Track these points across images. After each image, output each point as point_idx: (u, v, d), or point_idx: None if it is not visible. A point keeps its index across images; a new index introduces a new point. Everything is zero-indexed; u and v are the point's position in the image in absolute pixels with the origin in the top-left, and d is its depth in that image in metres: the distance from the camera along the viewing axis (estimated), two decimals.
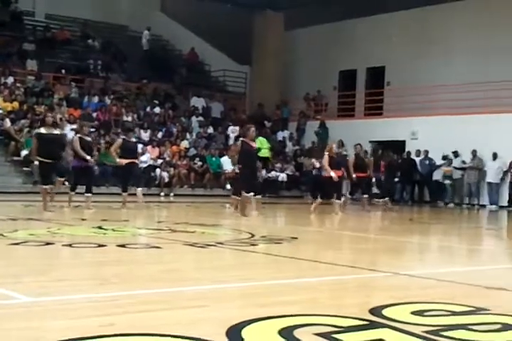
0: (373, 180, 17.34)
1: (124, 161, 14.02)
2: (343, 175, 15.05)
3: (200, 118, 26.66)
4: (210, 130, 26.22)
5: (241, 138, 12.95)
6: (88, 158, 13.41)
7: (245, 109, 29.99)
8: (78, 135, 13.92)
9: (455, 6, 25.19)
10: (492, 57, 23.80)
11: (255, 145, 13.24)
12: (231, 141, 25.35)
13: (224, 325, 3.52)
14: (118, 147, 14.26)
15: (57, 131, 12.84)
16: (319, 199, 14.31)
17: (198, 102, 27.81)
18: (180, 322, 3.68)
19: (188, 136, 25.10)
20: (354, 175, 16.07)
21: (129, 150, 14.21)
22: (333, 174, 13.94)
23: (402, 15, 26.73)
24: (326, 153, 14.50)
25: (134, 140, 15.15)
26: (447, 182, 22.16)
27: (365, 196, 16.52)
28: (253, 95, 29.79)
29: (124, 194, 14.17)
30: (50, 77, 25.57)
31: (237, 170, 13.28)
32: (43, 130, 12.41)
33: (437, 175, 22.39)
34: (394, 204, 21.50)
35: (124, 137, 14.60)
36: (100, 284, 4.89)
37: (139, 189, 14.51)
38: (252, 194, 12.84)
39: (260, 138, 25.72)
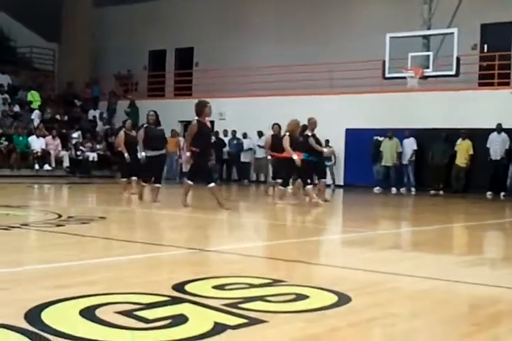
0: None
1: None
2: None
3: (6, 95, 25.51)
4: (17, 108, 25.18)
5: (196, 118, 10.95)
6: None
7: (54, 87, 29.11)
8: None
9: None
10: (295, 42, 24.73)
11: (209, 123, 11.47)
12: (35, 123, 24.42)
13: (23, 308, 3.46)
14: None
15: None
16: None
17: (2, 79, 26.56)
18: None
19: None
20: (269, 157, 14.66)
21: None
22: (295, 156, 12.36)
23: None
24: (287, 133, 12.79)
25: None
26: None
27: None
28: (62, 73, 28.92)
29: None
30: None
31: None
32: None
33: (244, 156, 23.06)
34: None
35: None
36: None
37: None
38: (212, 184, 11.14)
39: (32, 91, 25.49)
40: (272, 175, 15.60)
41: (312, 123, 13.48)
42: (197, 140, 10.87)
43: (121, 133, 14.55)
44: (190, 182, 11.15)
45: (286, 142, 12.59)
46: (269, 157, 14.65)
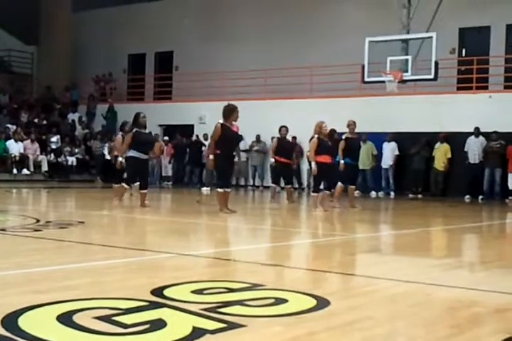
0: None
1: None
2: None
3: None
4: None
5: (220, 121, 10.81)
6: None
7: (32, 91, 28.95)
8: None
9: None
10: (274, 46, 24.78)
11: (237, 128, 11.32)
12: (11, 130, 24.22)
13: (0, 314, 3.42)
14: None
15: None
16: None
17: None
18: None
19: None
20: (273, 160, 14.30)
21: None
22: (313, 165, 12.06)
23: (190, 1, 27.08)
24: (316, 135, 12.40)
25: None
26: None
27: (289, 186, 14.52)
28: (41, 77, 28.79)
29: None
30: None
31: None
32: None
33: None
34: (181, 187, 21.85)
35: None
36: None
37: None
38: (229, 189, 11.10)
39: None
40: (271, 180, 15.22)
41: (349, 125, 13.46)
42: (220, 143, 10.77)
43: (119, 136, 13.92)
44: (227, 189, 11.02)
45: (313, 145, 12.27)
46: (272, 160, 14.34)
